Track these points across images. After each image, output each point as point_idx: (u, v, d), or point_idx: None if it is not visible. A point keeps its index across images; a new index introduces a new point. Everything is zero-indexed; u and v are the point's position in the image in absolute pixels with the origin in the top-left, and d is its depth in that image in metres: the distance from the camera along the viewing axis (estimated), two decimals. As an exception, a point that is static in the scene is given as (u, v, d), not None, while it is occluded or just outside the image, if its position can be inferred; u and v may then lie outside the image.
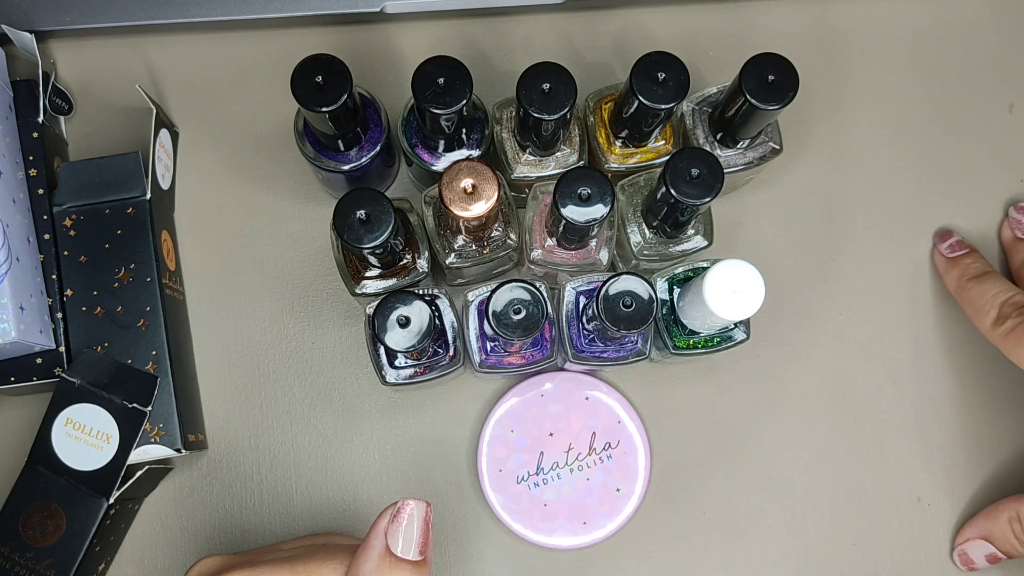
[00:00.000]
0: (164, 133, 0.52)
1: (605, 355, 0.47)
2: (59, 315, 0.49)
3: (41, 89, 0.51)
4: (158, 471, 0.50)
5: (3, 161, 0.47)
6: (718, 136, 0.48)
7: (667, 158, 0.43)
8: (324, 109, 0.43)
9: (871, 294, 0.54)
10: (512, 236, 0.46)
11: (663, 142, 0.49)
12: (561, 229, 0.44)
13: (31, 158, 0.50)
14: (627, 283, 0.43)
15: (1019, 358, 0.48)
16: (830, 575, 0.52)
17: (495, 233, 0.46)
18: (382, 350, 0.47)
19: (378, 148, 0.48)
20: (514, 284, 0.43)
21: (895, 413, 0.53)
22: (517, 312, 0.42)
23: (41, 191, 0.49)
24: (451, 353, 0.47)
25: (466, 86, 0.43)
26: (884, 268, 0.54)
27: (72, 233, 0.49)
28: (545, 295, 0.44)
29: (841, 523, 0.52)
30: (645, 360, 0.47)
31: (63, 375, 0.47)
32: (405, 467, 0.52)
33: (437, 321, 0.45)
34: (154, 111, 0.50)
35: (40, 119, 0.50)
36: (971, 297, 0.51)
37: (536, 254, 0.47)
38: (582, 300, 0.47)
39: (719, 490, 0.52)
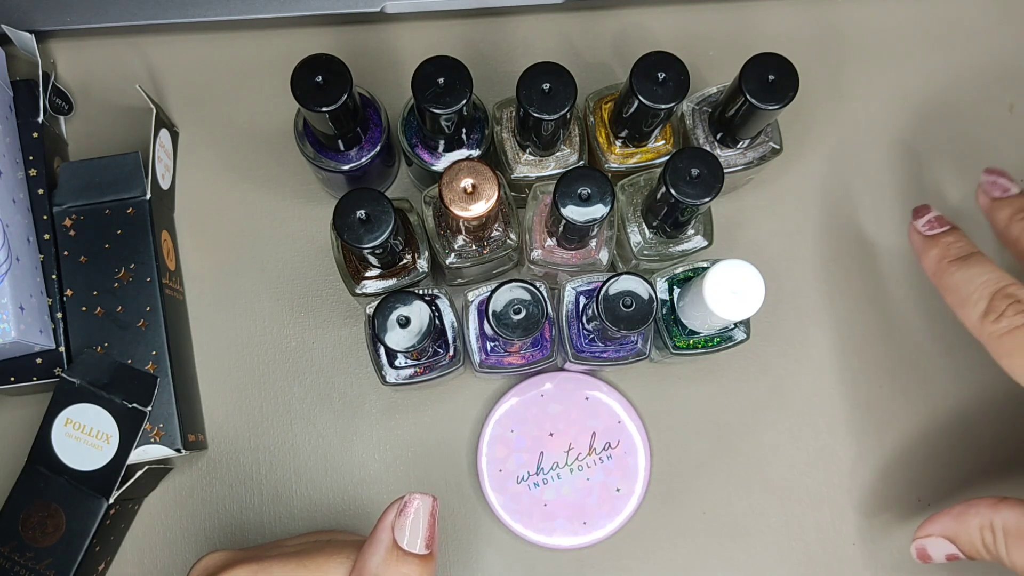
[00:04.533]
0: (164, 133, 0.52)
1: (605, 355, 0.47)
2: (59, 315, 0.49)
3: (41, 89, 0.51)
4: (158, 471, 0.50)
5: (3, 161, 0.47)
6: (718, 136, 0.48)
7: (667, 158, 0.43)
8: (324, 109, 0.43)
9: (871, 294, 0.54)
10: (512, 236, 0.46)
11: (663, 142, 0.49)
12: (561, 229, 0.44)
13: (31, 158, 0.50)
14: (627, 283, 0.43)
15: (1012, 366, 0.41)
16: (830, 575, 0.52)
17: (495, 233, 0.46)
18: (382, 350, 0.47)
19: (378, 148, 0.48)
20: (514, 284, 0.43)
21: (895, 413, 0.53)
22: (517, 312, 0.42)
23: (41, 191, 0.49)
24: (451, 353, 0.47)
25: (466, 86, 0.43)
26: (884, 268, 0.54)
27: (72, 233, 0.49)
28: (545, 295, 0.44)
29: (841, 523, 0.52)
30: (645, 360, 0.47)
31: (63, 375, 0.47)
32: (405, 467, 0.52)
33: (437, 321, 0.45)
34: (154, 111, 0.50)
35: (40, 119, 0.50)
36: (955, 283, 0.43)
37: (536, 254, 0.47)
38: (582, 300, 0.47)
39: (719, 490, 0.52)
